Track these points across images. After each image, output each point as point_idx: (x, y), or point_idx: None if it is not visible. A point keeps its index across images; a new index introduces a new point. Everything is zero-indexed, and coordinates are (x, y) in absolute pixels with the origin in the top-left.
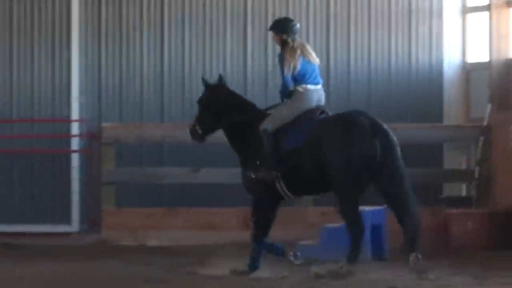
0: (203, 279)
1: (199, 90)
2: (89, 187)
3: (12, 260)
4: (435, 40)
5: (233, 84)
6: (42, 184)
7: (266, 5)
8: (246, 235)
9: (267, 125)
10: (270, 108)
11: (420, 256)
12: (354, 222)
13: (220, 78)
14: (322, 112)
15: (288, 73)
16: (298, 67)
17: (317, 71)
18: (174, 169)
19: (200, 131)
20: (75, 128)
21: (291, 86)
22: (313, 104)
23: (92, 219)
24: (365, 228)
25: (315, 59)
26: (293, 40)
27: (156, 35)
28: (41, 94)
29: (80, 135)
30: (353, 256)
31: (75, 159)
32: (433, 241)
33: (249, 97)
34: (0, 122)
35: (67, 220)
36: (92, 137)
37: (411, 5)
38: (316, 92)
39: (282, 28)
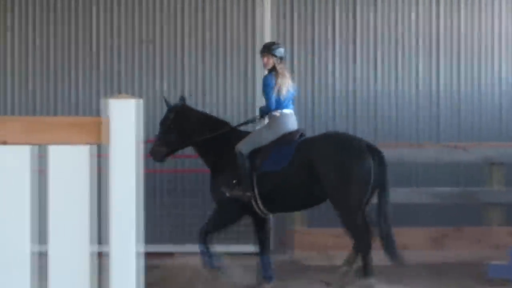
0: None
1: (391, 108)
2: None
3: None
4: None
5: (423, 101)
6: None
7: (458, 24)
8: (436, 255)
9: (242, 147)
10: (242, 124)
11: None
12: (361, 236)
13: (182, 99)
14: (301, 134)
15: (273, 95)
16: (284, 92)
17: (291, 97)
18: None
19: (164, 152)
20: None
21: (273, 107)
22: (289, 127)
23: (280, 240)
24: (371, 241)
25: (291, 87)
26: (282, 65)
27: (348, 52)
28: (233, 111)
29: None
30: (369, 270)
31: None
32: None
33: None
34: None
35: (255, 240)
36: None
37: None
38: (291, 116)
39: (275, 51)
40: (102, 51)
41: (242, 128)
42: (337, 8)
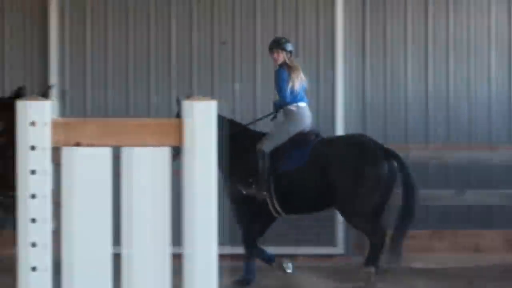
0: None
1: (464, 111)
2: None
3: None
4: None
5: (496, 102)
6: None
7: None
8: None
9: (265, 145)
10: (257, 120)
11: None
12: (375, 233)
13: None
14: (317, 135)
15: (288, 89)
16: (297, 86)
17: (304, 90)
18: (439, 191)
19: (173, 151)
20: None
21: (288, 100)
22: (306, 121)
23: (356, 241)
24: (386, 236)
25: (303, 80)
26: (293, 58)
27: (420, 54)
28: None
29: None
30: (374, 259)
31: None
32: None
33: None
34: None
35: (332, 242)
36: None
37: None
38: (306, 109)
39: (285, 46)
40: (180, 52)
41: (253, 127)
42: (409, 8)
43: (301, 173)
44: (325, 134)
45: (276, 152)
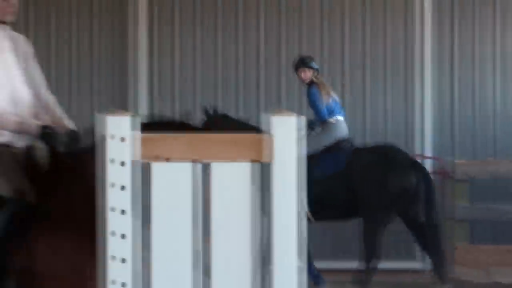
0: None
1: None
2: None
3: None
4: None
5: None
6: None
7: None
8: None
9: None
10: None
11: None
12: (373, 249)
13: (216, 110)
14: (351, 144)
15: (323, 106)
16: (329, 101)
17: (338, 105)
18: None
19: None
20: (427, 165)
21: (326, 117)
22: (343, 133)
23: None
24: (380, 256)
25: (334, 95)
26: (319, 76)
27: (508, 68)
28: (394, 129)
29: (434, 172)
30: (367, 279)
31: None
32: None
33: None
34: None
35: (413, 257)
36: (444, 174)
37: None
38: (343, 122)
39: (311, 64)
40: (269, 65)
41: None
42: (498, 21)
43: (332, 181)
44: (406, 148)
45: (309, 160)
